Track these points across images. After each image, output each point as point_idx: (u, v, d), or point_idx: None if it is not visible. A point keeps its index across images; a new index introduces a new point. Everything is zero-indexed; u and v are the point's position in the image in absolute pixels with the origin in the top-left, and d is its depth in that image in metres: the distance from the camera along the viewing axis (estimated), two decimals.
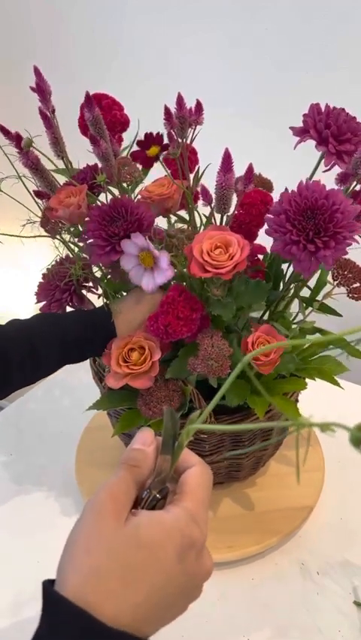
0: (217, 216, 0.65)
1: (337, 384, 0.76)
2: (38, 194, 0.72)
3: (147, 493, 0.39)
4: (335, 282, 0.64)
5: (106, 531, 0.35)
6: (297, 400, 0.86)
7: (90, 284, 0.70)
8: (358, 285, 0.65)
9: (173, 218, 0.77)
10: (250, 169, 0.61)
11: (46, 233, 0.75)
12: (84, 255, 0.69)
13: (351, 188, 0.62)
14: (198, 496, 0.39)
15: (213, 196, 0.63)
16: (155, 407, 0.66)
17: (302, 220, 0.56)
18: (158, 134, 0.61)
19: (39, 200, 0.76)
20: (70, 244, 0.73)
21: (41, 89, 0.74)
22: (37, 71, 0.75)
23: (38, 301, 0.71)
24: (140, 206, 0.61)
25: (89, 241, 0.62)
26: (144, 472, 0.41)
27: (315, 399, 0.76)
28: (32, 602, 0.73)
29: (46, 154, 0.76)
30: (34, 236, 0.76)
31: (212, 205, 0.64)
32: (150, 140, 0.61)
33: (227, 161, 0.60)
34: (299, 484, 0.85)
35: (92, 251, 0.62)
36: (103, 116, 0.79)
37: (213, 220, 0.69)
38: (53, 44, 1.26)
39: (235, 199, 0.64)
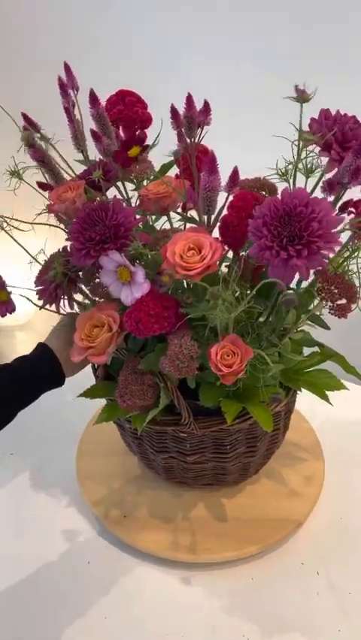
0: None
1: (327, 399, 0.74)
2: (42, 186, 0.75)
3: None
4: (320, 297, 0.62)
5: None
6: (290, 410, 0.84)
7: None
8: (344, 302, 0.62)
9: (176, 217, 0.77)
10: (234, 172, 0.60)
11: (56, 223, 0.79)
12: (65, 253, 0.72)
13: (341, 197, 0.59)
14: None
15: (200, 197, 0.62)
16: (129, 400, 0.68)
17: (278, 226, 0.55)
18: (139, 134, 0.62)
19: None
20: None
21: (62, 84, 0.76)
22: (66, 66, 0.78)
23: (36, 286, 0.74)
24: (121, 212, 0.62)
25: (70, 243, 0.64)
26: None
27: (318, 400, 0.74)
28: (32, 599, 0.76)
29: (67, 147, 0.79)
30: (48, 225, 0.80)
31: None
32: (133, 140, 0.62)
33: (212, 163, 0.59)
34: None
35: (72, 252, 0.64)
36: (124, 112, 0.81)
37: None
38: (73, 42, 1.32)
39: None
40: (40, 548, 0.83)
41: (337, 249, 0.56)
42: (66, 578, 0.79)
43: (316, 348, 0.80)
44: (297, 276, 0.58)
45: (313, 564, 0.79)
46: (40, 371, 0.71)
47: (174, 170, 0.82)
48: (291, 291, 0.59)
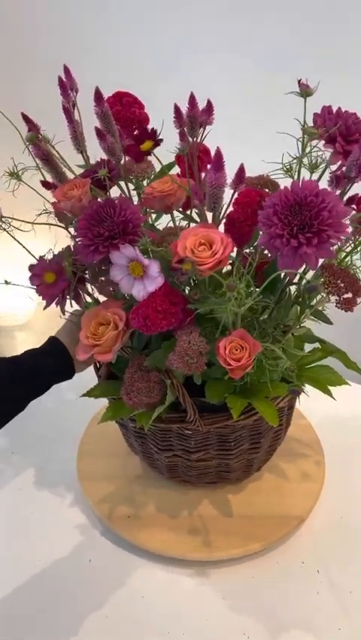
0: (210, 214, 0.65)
1: (330, 394, 0.74)
2: (46, 185, 0.75)
3: None
4: (326, 291, 0.62)
5: None
6: (292, 406, 0.84)
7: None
8: (350, 295, 0.62)
9: (178, 216, 0.78)
10: (241, 169, 0.60)
11: (59, 224, 0.79)
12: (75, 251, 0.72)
13: (346, 191, 0.60)
14: None
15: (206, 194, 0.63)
16: (135, 397, 0.68)
17: (289, 215, 0.56)
18: (152, 129, 0.62)
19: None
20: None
21: (63, 84, 0.77)
22: (65, 68, 0.78)
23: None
24: (128, 208, 0.62)
25: (78, 239, 0.64)
26: None
27: (317, 398, 0.75)
28: (33, 598, 0.75)
29: (67, 148, 0.79)
30: (50, 224, 0.80)
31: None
32: (145, 135, 0.62)
33: (218, 160, 0.60)
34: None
35: (80, 249, 0.64)
36: (122, 112, 0.81)
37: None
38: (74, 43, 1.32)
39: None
40: (42, 548, 0.82)
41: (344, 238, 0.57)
42: (67, 577, 0.78)
43: (317, 344, 0.81)
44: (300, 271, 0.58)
45: (314, 563, 0.79)
46: (50, 363, 0.72)
47: (174, 170, 0.82)
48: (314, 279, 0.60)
